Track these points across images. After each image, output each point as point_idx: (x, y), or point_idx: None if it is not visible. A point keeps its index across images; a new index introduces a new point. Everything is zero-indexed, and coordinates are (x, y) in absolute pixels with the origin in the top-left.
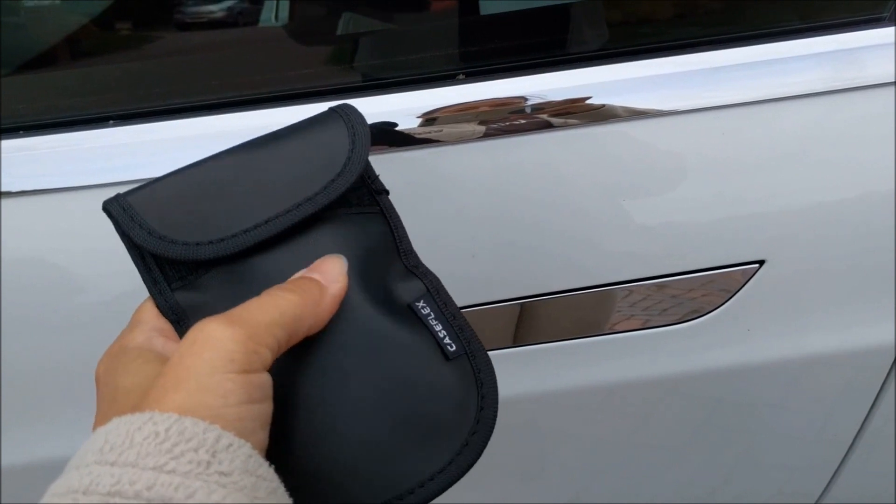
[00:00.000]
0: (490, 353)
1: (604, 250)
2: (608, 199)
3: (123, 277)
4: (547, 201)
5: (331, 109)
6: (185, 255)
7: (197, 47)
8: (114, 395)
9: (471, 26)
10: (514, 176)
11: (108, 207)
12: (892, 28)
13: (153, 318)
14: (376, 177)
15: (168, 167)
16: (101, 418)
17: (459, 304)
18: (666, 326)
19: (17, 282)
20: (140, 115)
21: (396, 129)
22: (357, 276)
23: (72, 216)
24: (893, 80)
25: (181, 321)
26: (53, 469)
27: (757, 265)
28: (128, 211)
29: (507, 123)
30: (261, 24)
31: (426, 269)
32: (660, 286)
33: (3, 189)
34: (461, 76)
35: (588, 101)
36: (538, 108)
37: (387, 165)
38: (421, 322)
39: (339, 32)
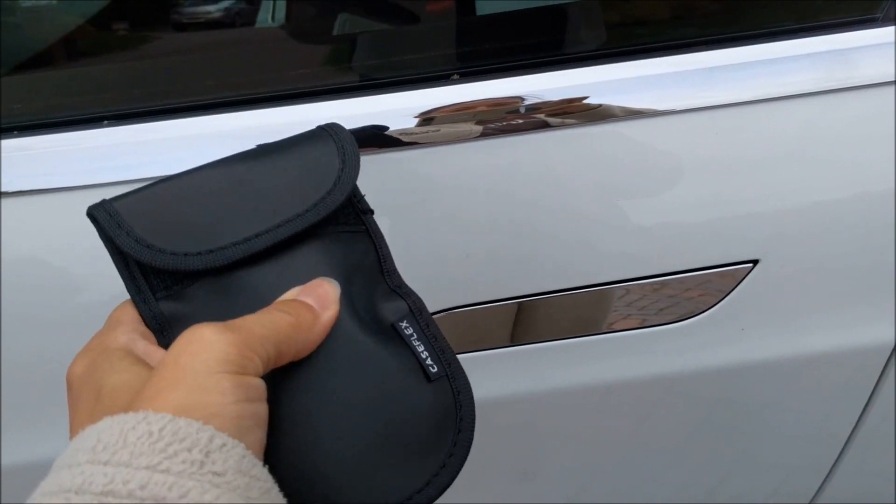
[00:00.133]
0: (486, 352)
1: (599, 249)
2: (604, 199)
3: None
4: (543, 200)
5: (320, 128)
6: (172, 265)
7: (194, 48)
8: (97, 394)
9: (468, 27)
10: (510, 175)
11: (93, 213)
12: (886, 28)
13: (134, 321)
14: (362, 196)
15: (166, 167)
16: (83, 417)
17: (455, 303)
18: (661, 326)
19: (15, 281)
20: (137, 115)
21: (393, 128)
22: (343, 294)
23: (70, 216)
24: (888, 79)
25: (164, 331)
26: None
27: (751, 265)
28: (114, 217)
29: (504, 123)
30: (257, 25)
31: (409, 289)
32: (655, 285)
33: (1, 189)
34: (455, 76)
35: (585, 101)
36: (535, 107)
37: (384, 165)
38: (403, 342)
39: (335, 33)
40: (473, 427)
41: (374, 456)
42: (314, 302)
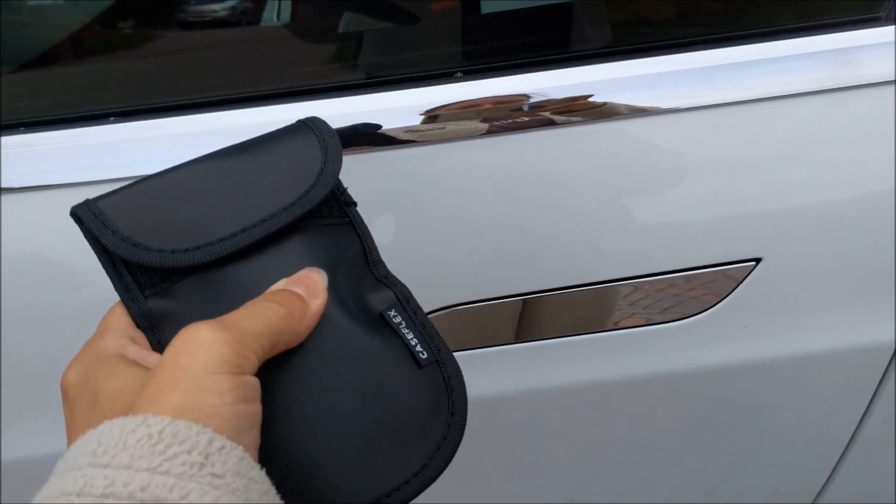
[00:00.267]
0: (490, 349)
1: (603, 247)
2: (608, 196)
3: None
4: (548, 198)
5: (300, 122)
6: (160, 262)
7: (199, 46)
8: (94, 400)
9: (473, 24)
10: (515, 172)
11: (76, 212)
12: (889, 27)
13: (124, 326)
14: (345, 189)
15: (170, 163)
16: (81, 423)
17: (458, 300)
18: (664, 324)
19: (17, 278)
20: (141, 112)
21: (398, 126)
22: (330, 286)
23: None
24: (890, 78)
25: (154, 328)
26: (55, 465)
27: (754, 263)
28: (99, 217)
29: (510, 121)
30: (263, 24)
31: (395, 278)
32: (658, 283)
33: (5, 185)
34: (459, 74)
35: (590, 99)
36: (540, 105)
37: (389, 163)
38: (393, 331)
39: (340, 31)
40: (466, 410)
41: (369, 443)
42: (303, 291)
